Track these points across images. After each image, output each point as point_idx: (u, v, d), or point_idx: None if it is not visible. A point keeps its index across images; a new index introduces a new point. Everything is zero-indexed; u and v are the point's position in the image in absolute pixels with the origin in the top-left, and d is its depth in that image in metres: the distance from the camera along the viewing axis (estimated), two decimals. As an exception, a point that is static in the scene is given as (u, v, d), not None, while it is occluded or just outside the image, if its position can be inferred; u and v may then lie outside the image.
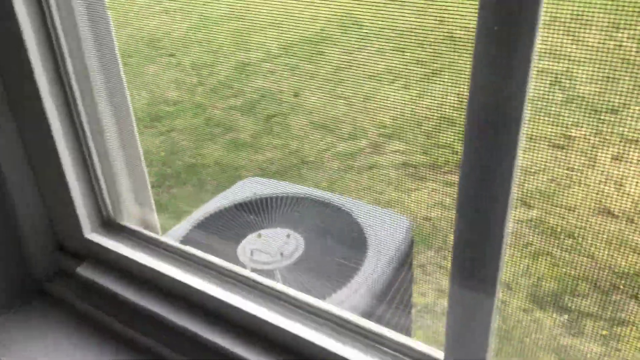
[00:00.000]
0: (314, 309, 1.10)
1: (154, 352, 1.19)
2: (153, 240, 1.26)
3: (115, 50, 1.09)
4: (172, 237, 1.69)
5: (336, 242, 1.50)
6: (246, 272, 1.18)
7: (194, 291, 1.15)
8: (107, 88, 1.15)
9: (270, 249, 1.60)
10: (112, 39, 1.09)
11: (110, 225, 1.30)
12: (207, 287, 1.14)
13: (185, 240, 1.69)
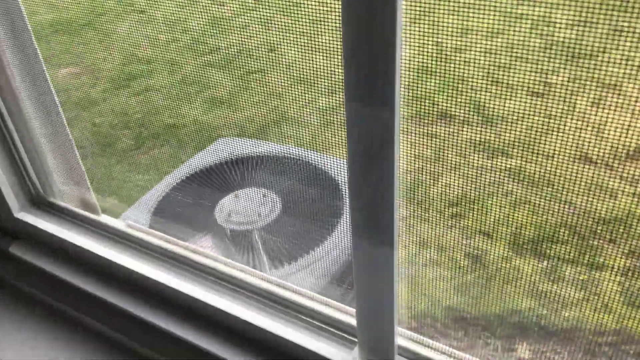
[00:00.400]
0: (248, 286, 1.12)
1: (88, 327, 1.19)
2: (82, 217, 1.23)
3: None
4: (149, 200, 1.68)
5: (313, 200, 1.50)
6: (173, 248, 1.17)
7: (119, 267, 1.15)
8: (18, 59, 1.10)
9: (247, 209, 1.60)
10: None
11: (41, 204, 1.26)
12: (128, 262, 1.15)
13: (162, 203, 1.68)
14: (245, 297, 1.12)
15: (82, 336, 1.19)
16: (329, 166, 1.36)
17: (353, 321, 0.98)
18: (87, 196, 1.26)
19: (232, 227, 1.69)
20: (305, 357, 1.01)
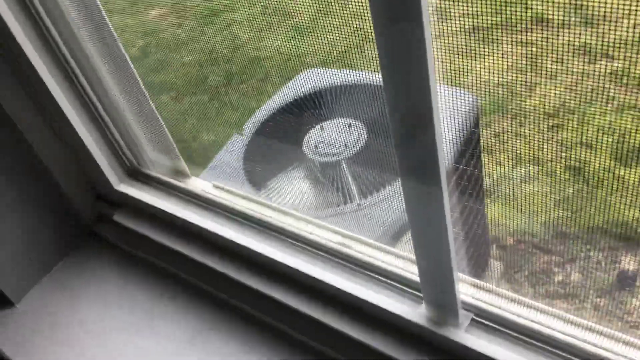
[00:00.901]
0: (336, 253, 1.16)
1: (185, 284, 1.33)
2: (176, 187, 1.35)
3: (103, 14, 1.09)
4: (238, 142, 1.74)
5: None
6: (265, 218, 1.24)
7: (211, 234, 1.25)
8: (95, 38, 1.15)
9: (333, 140, 1.62)
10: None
11: (137, 175, 1.39)
12: (221, 230, 1.24)
13: (251, 142, 1.74)
14: (317, 256, 1.18)
15: (177, 290, 1.32)
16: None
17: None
18: (175, 162, 1.37)
19: (320, 159, 1.72)
20: (377, 313, 1.06)
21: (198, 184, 1.35)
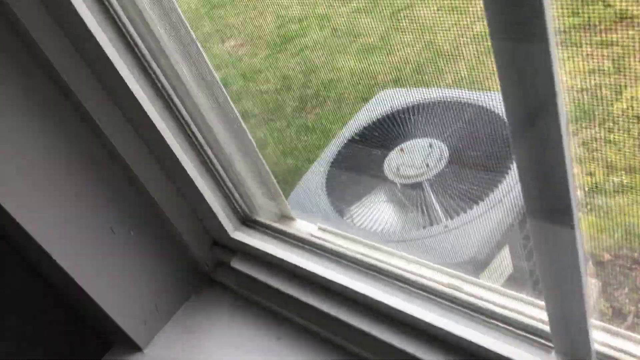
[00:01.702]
0: (452, 298, 1.13)
1: (297, 326, 1.37)
2: (285, 233, 1.41)
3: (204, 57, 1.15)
4: (320, 166, 1.77)
5: (480, 143, 1.45)
6: (368, 260, 1.24)
7: (319, 277, 1.28)
8: (206, 96, 1.24)
9: (414, 161, 1.60)
10: (201, 54, 1.15)
11: (249, 222, 1.48)
12: (331, 275, 1.26)
13: (331, 171, 1.76)
14: (428, 299, 1.15)
15: (290, 331, 1.39)
16: (492, 103, 1.29)
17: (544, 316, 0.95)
18: (281, 207, 1.45)
19: (402, 181, 1.71)
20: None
21: (303, 227, 1.41)
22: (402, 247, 1.60)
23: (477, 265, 1.57)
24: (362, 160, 1.77)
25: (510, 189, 1.45)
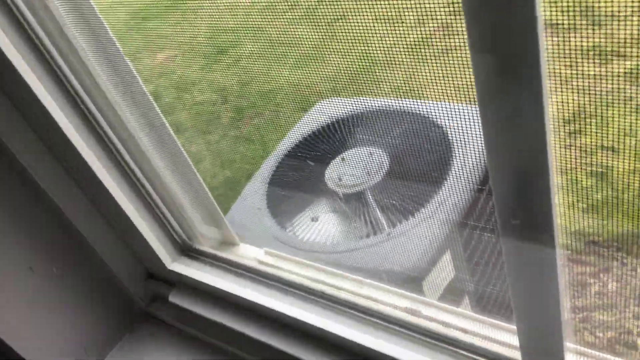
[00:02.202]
0: (402, 323, 1.08)
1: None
2: (228, 261, 1.32)
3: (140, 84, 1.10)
4: (259, 179, 1.76)
5: (419, 150, 1.49)
6: (317, 286, 1.19)
7: (268, 310, 1.21)
8: (133, 111, 1.17)
9: (355, 170, 1.63)
10: (127, 66, 1.09)
11: (189, 251, 1.38)
12: (281, 306, 1.19)
13: (272, 183, 1.76)
14: (384, 328, 1.10)
15: None
16: (429, 111, 1.34)
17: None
18: (224, 232, 1.37)
19: (344, 191, 1.73)
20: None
21: (248, 252, 1.34)
22: (346, 258, 1.61)
23: (420, 272, 1.61)
24: (302, 172, 1.78)
25: (449, 194, 1.50)
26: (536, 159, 0.63)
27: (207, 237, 1.39)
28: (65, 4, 1.01)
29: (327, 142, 1.68)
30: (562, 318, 0.77)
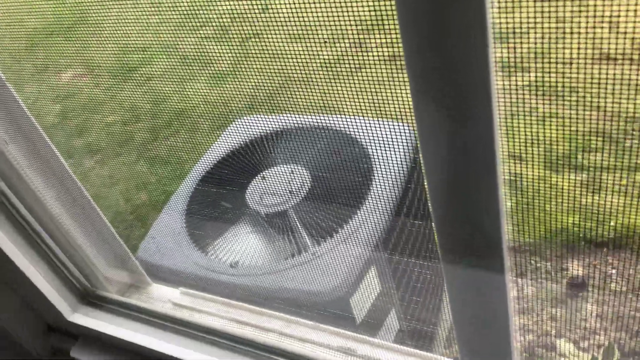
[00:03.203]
0: None
1: None
2: (138, 308, 1.22)
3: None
4: (177, 202, 1.74)
5: (340, 167, 1.53)
6: (240, 332, 1.12)
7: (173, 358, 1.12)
8: (17, 140, 1.07)
9: (277, 189, 1.64)
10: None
11: (92, 299, 1.27)
12: (197, 357, 1.11)
13: (191, 202, 1.74)
14: None
15: None
16: (348, 127, 1.38)
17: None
18: (134, 273, 1.27)
19: (266, 210, 1.73)
20: None
21: (162, 294, 1.25)
22: (272, 279, 1.61)
23: (347, 289, 1.64)
24: (222, 192, 1.77)
25: (372, 209, 1.54)
26: (482, 168, 0.62)
27: (113, 281, 1.29)
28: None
29: (247, 161, 1.69)
30: (512, 344, 0.73)
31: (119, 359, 1.25)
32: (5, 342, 1.26)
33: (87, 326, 1.23)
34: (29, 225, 1.15)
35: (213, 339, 1.15)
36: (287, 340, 1.10)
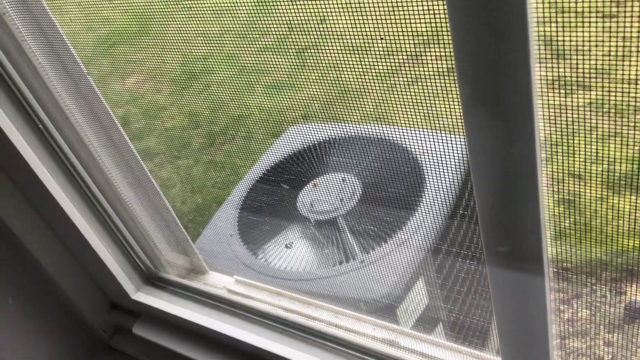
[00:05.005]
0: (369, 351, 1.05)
1: None
2: (197, 291, 1.27)
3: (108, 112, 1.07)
4: (231, 205, 1.76)
5: (391, 177, 1.52)
6: (290, 317, 1.15)
7: (240, 342, 1.16)
8: (99, 135, 1.13)
9: (328, 196, 1.65)
10: (92, 88, 1.06)
11: (155, 280, 1.33)
12: (252, 338, 1.15)
13: (243, 209, 1.76)
14: None
15: None
16: (400, 138, 1.37)
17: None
18: (193, 259, 1.32)
19: (316, 217, 1.74)
20: None
21: (217, 280, 1.29)
22: (319, 285, 1.62)
23: (394, 299, 1.62)
24: (274, 198, 1.79)
25: (422, 221, 1.52)
26: (526, 184, 0.63)
27: (175, 265, 1.35)
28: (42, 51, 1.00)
29: (299, 168, 1.70)
30: (550, 346, 0.76)
31: (179, 336, 1.30)
32: (70, 317, 1.32)
33: (150, 304, 1.28)
34: (100, 205, 1.21)
35: (265, 321, 1.19)
36: (335, 329, 1.12)
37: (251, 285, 1.29)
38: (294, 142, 1.55)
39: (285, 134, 1.40)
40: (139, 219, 1.26)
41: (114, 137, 1.15)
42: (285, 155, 1.64)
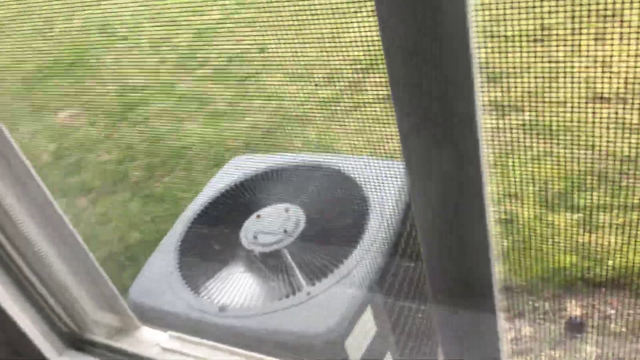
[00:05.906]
0: None
1: None
2: (126, 353, 1.21)
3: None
4: (170, 241, 1.72)
5: (335, 206, 1.53)
6: None
7: None
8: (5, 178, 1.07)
9: (272, 228, 1.63)
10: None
11: (79, 343, 1.25)
12: None
13: (184, 241, 1.72)
14: None
15: None
16: (343, 165, 1.38)
17: None
18: (122, 316, 1.26)
19: (260, 250, 1.72)
20: None
21: (150, 337, 1.23)
22: (265, 320, 1.59)
23: (343, 330, 1.61)
24: (216, 231, 1.76)
25: (368, 249, 1.53)
26: (472, 205, 0.62)
27: (101, 324, 1.28)
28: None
29: (243, 199, 1.68)
30: None
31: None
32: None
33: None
34: (14, 263, 1.13)
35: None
36: (279, 385, 1.06)
37: (186, 341, 1.24)
38: (237, 172, 1.53)
39: (227, 164, 1.39)
40: (58, 274, 1.18)
41: (21, 175, 1.07)
42: (228, 186, 1.62)
